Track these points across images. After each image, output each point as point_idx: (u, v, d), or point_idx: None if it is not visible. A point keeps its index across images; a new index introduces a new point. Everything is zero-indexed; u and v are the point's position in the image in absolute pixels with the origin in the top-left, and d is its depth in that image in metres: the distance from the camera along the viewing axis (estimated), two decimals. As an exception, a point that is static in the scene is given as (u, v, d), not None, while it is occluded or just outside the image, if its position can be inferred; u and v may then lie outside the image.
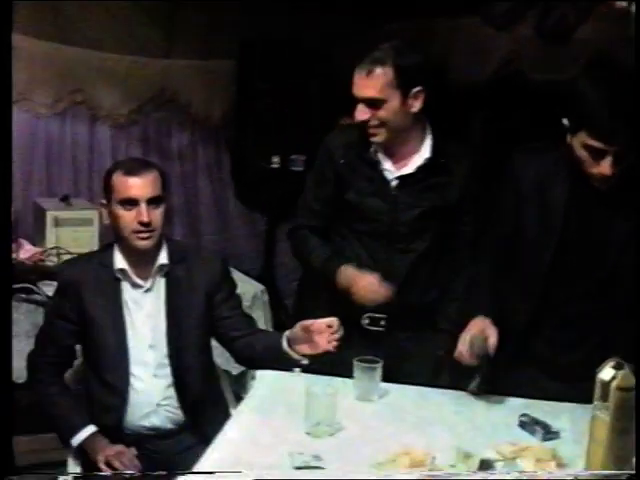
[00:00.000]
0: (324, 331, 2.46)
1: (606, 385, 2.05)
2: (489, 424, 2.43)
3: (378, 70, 2.74)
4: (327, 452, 2.14)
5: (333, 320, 2.47)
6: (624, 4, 3.26)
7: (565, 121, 2.49)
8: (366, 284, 2.79)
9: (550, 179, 2.63)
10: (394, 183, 2.87)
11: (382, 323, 2.92)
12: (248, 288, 4.13)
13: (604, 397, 2.05)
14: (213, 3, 4.68)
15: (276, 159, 5.25)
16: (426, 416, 2.47)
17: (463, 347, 2.54)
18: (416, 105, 2.80)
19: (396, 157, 2.88)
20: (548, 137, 2.71)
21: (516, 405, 2.55)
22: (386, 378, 2.61)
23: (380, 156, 2.87)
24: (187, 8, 4.75)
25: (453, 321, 2.84)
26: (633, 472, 1.97)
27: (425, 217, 2.88)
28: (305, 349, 2.51)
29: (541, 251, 2.61)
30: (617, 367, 2.06)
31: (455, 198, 2.90)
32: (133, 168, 2.69)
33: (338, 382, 2.53)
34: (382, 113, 2.76)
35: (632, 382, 2.04)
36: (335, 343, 2.45)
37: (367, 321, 2.92)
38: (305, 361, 2.55)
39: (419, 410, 2.51)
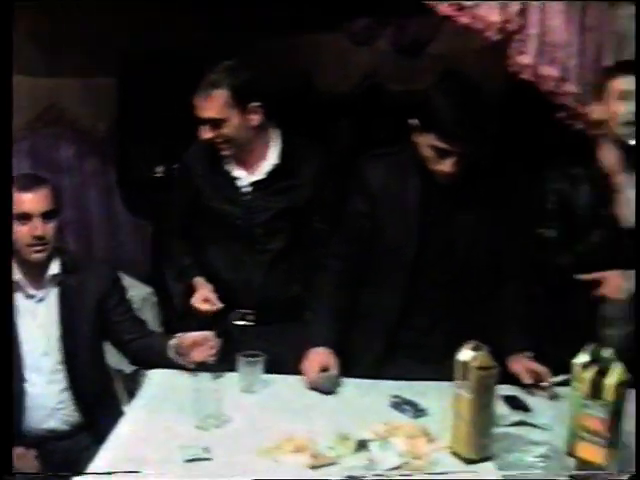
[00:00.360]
0: (200, 344, 2.57)
1: (466, 365, 2.11)
2: (364, 407, 2.47)
3: (215, 92, 2.79)
4: (216, 444, 2.13)
5: (207, 334, 2.58)
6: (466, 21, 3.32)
7: (414, 121, 2.58)
8: (199, 296, 2.90)
9: (400, 180, 2.71)
10: (246, 189, 2.94)
11: (250, 318, 2.99)
12: (137, 291, 4.08)
13: (464, 376, 2.11)
14: (97, 21, 4.58)
15: (160, 168, 5.23)
16: (306, 403, 2.49)
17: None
18: (255, 119, 2.87)
19: (246, 165, 2.94)
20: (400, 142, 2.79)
21: (387, 387, 2.59)
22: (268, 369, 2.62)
23: (231, 166, 2.94)
24: (71, 27, 4.63)
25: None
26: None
27: (278, 218, 2.95)
28: (186, 359, 2.58)
29: (403, 247, 2.68)
30: (475, 349, 2.13)
31: (305, 199, 2.97)
32: (25, 184, 2.64)
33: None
34: (225, 131, 2.83)
35: (490, 362, 2.12)
36: (212, 356, 2.55)
37: (236, 317, 2.97)
38: (192, 365, 2.57)
39: (300, 398, 2.53)
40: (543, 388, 2.59)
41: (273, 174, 2.92)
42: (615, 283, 2.64)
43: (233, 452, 2.10)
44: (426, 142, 2.55)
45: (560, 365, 2.52)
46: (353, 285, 2.80)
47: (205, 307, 2.87)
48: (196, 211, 3.03)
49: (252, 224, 2.94)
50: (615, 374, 2.01)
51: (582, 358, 2.17)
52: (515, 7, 3.28)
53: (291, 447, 2.11)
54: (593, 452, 2.02)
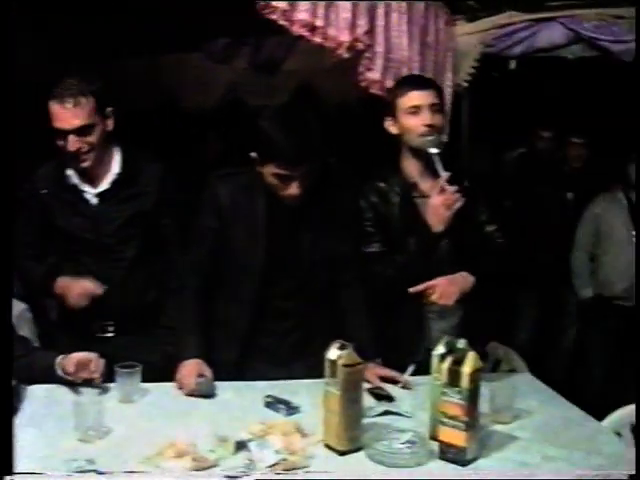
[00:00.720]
0: (85, 364, 2.48)
1: (333, 363, 2.11)
2: (239, 408, 2.43)
3: (81, 100, 2.71)
4: (99, 455, 2.04)
5: (90, 355, 2.49)
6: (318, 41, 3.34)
7: (253, 154, 2.58)
8: (79, 288, 2.82)
9: (249, 199, 2.70)
10: (93, 201, 2.86)
11: (110, 329, 2.91)
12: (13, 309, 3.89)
13: (333, 374, 2.10)
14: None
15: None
16: (184, 408, 2.43)
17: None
18: (110, 124, 2.83)
19: (91, 178, 2.86)
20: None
21: (261, 388, 2.56)
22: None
23: (77, 180, 2.86)
24: None
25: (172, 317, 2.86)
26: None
27: (127, 226, 2.89)
28: (72, 377, 2.49)
29: (252, 262, 2.69)
30: (341, 348, 2.13)
31: (151, 204, 2.92)
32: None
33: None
34: (91, 138, 2.77)
35: (355, 359, 2.12)
36: (96, 376, 2.47)
37: (96, 329, 2.89)
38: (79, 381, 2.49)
39: (177, 404, 2.47)
40: (400, 384, 2.64)
41: (117, 183, 2.86)
42: (444, 290, 2.69)
43: (117, 462, 2.02)
44: (269, 171, 2.55)
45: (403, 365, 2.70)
46: (209, 297, 2.78)
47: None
48: (47, 231, 2.93)
49: (103, 235, 2.86)
50: (470, 363, 2.05)
51: (439, 350, 2.21)
52: (363, 27, 3.33)
53: (172, 452, 2.04)
54: (454, 435, 2.06)
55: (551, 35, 3.78)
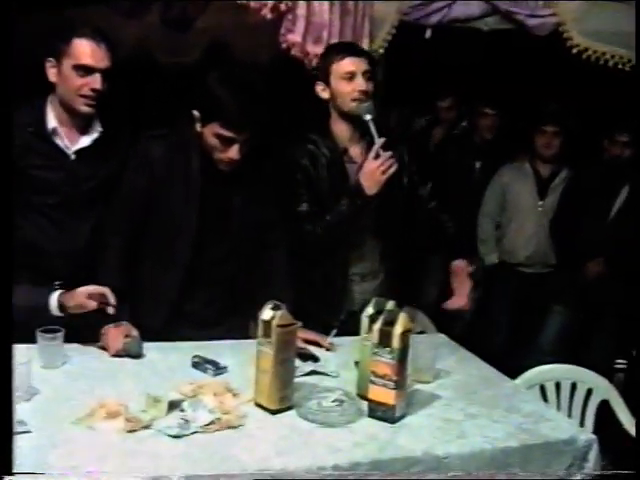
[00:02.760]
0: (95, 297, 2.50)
1: (267, 324, 2.15)
2: (167, 368, 2.45)
3: (109, 45, 2.67)
4: (29, 417, 2.02)
5: (100, 288, 2.50)
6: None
7: (196, 113, 2.57)
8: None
9: (180, 161, 2.69)
10: (73, 157, 2.75)
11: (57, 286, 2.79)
12: None
13: (266, 334, 2.15)
14: None
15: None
16: (112, 368, 2.42)
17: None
18: None
19: (72, 132, 2.76)
20: (174, 118, 2.76)
21: (186, 348, 2.58)
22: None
23: (60, 131, 2.73)
24: None
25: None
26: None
27: (101, 186, 2.80)
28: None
29: (183, 226, 2.69)
30: (275, 308, 2.17)
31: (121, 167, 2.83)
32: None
33: (24, 349, 2.37)
34: (105, 86, 2.67)
35: (289, 319, 2.18)
36: (112, 303, 2.49)
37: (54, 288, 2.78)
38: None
39: (104, 364, 2.45)
40: (324, 347, 2.72)
41: (98, 142, 2.77)
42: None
43: (48, 423, 2.00)
44: (211, 131, 2.56)
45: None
46: (137, 260, 2.77)
47: None
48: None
49: (77, 192, 2.75)
50: (401, 323, 2.13)
51: (368, 311, 2.29)
52: (286, -12, 3.34)
53: (104, 413, 2.04)
54: (384, 394, 2.13)
55: (467, 6, 3.87)
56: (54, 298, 2.50)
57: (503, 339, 4.64)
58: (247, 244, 2.78)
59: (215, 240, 2.73)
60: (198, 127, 2.59)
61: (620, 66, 3.80)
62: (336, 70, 2.85)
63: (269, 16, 3.40)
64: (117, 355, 2.51)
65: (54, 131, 2.72)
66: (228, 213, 2.73)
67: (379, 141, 2.75)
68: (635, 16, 3.28)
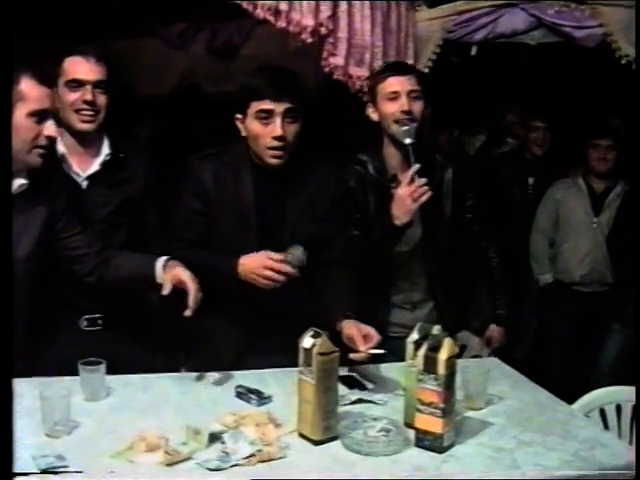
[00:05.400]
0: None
1: (308, 352, 2.08)
2: (210, 399, 2.39)
3: (101, 61, 2.72)
4: (68, 451, 1.98)
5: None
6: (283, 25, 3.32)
7: (238, 115, 2.57)
8: None
9: (233, 179, 2.64)
10: (85, 184, 2.74)
11: (99, 322, 2.79)
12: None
13: (307, 362, 2.08)
14: None
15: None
16: (154, 401, 2.38)
17: None
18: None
19: (81, 159, 2.75)
20: (223, 141, 2.72)
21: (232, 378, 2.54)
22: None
23: (69, 158, 2.73)
24: None
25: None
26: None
27: (118, 213, 2.78)
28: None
29: (243, 245, 2.59)
30: (315, 336, 2.10)
31: (141, 190, 2.84)
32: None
33: (68, 382, 2.35)
34: (102, 100, 2.71)
35: (330, 347, 2.10)
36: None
37: (85, 323, 2.77)
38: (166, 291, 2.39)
39: (147, 396, 2.41)
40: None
41: (107, 166, 2.75)
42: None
43: (87, 457, 1.96)
44: (251, 116, 2.51)
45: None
46: None
47: None
48: None
49: (93, 221, 2.72)
50: (446, 349, 2.05)
51: (413, 336, 2.21)
52: (326, 12, 3.32)
53: (144, 446, 2.00)
54: (431, 422, 2.05)
55: (513, 21, 3.79)
56: (159, 265, 2.47)
57: (561, 361, 4.49)
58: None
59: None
60: (242, 127, 2.56)
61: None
62: (381, 90, 2.81)
63: (309, 40, 3.37)
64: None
65: (63, 158, 2.72)
66: (283, 230, 2.65)
67: (414, 167, 2.68)
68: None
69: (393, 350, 2.46)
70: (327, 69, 3.53)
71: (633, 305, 4.31)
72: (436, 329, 2.16)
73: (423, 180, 2.67)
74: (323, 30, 3.38)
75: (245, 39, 5.02)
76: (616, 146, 4.37)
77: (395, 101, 2.78)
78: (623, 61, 3.64)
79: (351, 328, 2.45)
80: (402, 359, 2.27)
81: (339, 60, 3.49)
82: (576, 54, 3.86)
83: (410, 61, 3.79)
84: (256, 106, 2.50)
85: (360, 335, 2.42)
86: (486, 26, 3.86)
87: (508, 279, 4.80)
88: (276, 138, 2.49)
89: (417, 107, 2.78)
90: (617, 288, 4.43)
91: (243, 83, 2.61)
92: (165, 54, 5.28)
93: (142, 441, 2.02)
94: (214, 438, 2.05)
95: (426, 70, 3.89)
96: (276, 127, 2.48)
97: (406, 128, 2.73)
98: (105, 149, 2.77)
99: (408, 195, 2.68)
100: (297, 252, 2.47)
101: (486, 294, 3.11)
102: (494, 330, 3.12)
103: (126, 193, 2.78)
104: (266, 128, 2.50)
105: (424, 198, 2.68)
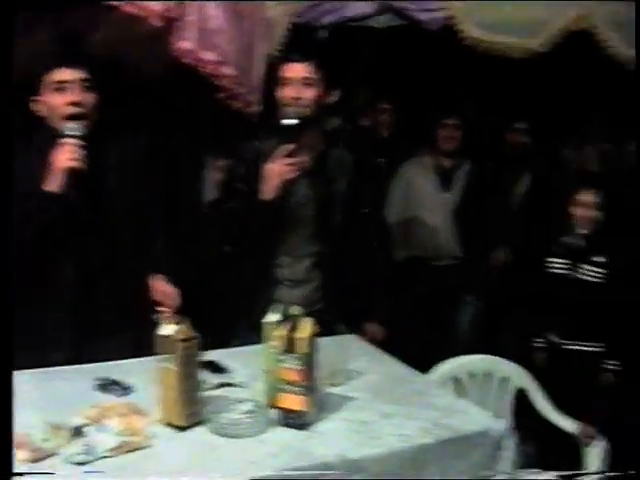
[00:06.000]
0: None
1: (168, 339, 2.07)
2: (70, 393, 2.34)
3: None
4: None
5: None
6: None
7: None
8: None
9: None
10: None
11: None
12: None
13: (168, 350, 2.08)
14: None
15: None
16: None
17: None
18: None
19: None
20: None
21: (91, 371, 2.49)
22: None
23: None
24: None
25: None
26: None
27: None
28: None
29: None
30: (176, 323, 2.09)
31: None
32: None
33: None
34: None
35: (191, 333, 2.10)
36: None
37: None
38: None
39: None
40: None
41: None
42: None
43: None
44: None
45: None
46: None
47: None
48: None
49: None
50: (305, 329, 2.09)
51: (273, 317, 2.24)
52: (174, -4, 3.28)
53: (7, 445, 1.94)
54: (293, 401, 2.09)
55: (360, 5, 3.86)
56: None
57: (418, 333, 4.63)
58: None
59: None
60: None
61: (514, 56, 3.82)
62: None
63: (158, 24, 3.31)
64: None
65: None
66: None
67: (286, 147, 2.73)
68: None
69: None
70: (177, 54, 3.49)
71: (481, 277, 4.52)
72: (294, 309, 2.20)
73: (292, 159, 2.73)
74: (171, 14, 3.33)
75: (93, 25, 4.86)
76: (462, 125, 4.53)
77: (288, 86, 2.83)
78: (467, 43, 3.75)
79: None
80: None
81: (188, 44, 3.46)
82: (422, 37, 3.95)
83: (262, 44, 3.81)
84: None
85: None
86: (335, 10, 3.92)
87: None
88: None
89: (307, 93, 2.83)
90: (466, 262, 4.60)
91: None
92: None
93: (3, 440, 1.96)
94: (77, 432, 2.01)
95: (277, 53, 3.91)
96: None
97: (290, 109, 2.80)
98: None
99: (274, 171, 2.73)
100: None
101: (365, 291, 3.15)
102: (372, 328, 3.15)
103: None
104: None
105: (290, 176, 2.73)
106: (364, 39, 4.35)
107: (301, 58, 2.88)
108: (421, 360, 3.02)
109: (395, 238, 4.67)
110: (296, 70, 2.84)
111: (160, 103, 4.15)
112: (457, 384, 3.08)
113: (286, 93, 2.83)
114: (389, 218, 4.72)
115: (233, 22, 3.60)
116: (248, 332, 2.73)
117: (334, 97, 2.97)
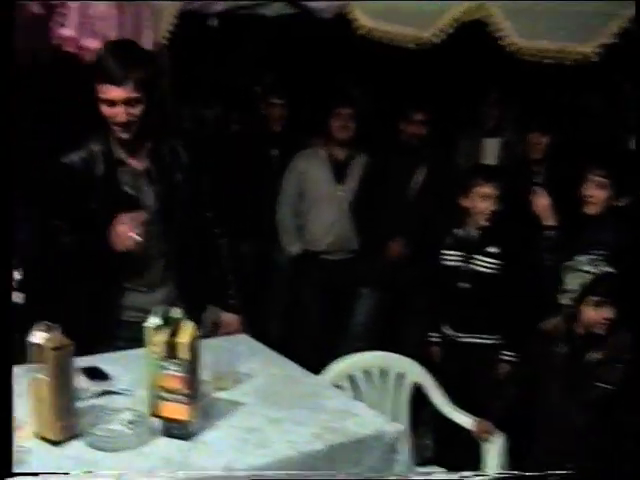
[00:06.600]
0: None
1: (39, 347, 1.93)
2: None
3: None
4: None
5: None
6: None
7: None
8: None
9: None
10: None
11: None
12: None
13: (39, 359, 1.93)
14: None
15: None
16: None
17: None
18: None
19: None
20: None
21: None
22: None
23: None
24: None
25: None
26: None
27: None
28: None
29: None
30: (47, 330, 1.95)
31: None
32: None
33: None
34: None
35: (64, 341, 1.96)
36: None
37: None
38: None
39: None
40: None
41: None
42: None
43: None
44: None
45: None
46: None
47: None
48: None
49: None
50: (187, 333, 1.98)
51: (153, 321, 2.11)
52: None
53: None
54: (176, 410, 1.99)
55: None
56: None
57: (315, 329, 4.57)
58: None
59: None
60: None
61: (409, 46, 3.75)
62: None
63: (36, 11, 3.12)
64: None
65: None
66: None
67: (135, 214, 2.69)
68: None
69: (134, 335, 2.37)
70: (57, 41, 3.29)
71: (378, 269, 4.47)
72: (176, 312, 2.08)
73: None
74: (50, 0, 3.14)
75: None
76: (355, 114, 4.45)
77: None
78: (360, 32, 3.66)
79: None
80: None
81: (69, 31, 3.26)
82: (315, 26, 3.85)
83: (148, 33, 3.64)
84: None
85: None
86: (223, -2, 3.77)
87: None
88: None
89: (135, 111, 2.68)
90: (362, 254, 4.55)
91: None
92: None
93: None
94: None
95: (164, 42, 3.75)
96: None
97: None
98: None
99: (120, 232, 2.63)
100: None
101: (217, 284, 3.03)
102: (228, 318, 3.02)
103: None
104: None
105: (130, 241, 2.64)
106: (254, 28, 4.22)
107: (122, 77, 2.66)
108: (316, 358, 2.96)
109: (290, 232, 4.60)
110: (119, 92, 2.64)
111: (39, 92, 3.93)
112: (352, 383, 3.01)
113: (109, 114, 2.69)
114: (281, 210, 4.62)
115: (117, 8, 3.42)
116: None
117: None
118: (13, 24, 1.71)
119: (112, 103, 2.64)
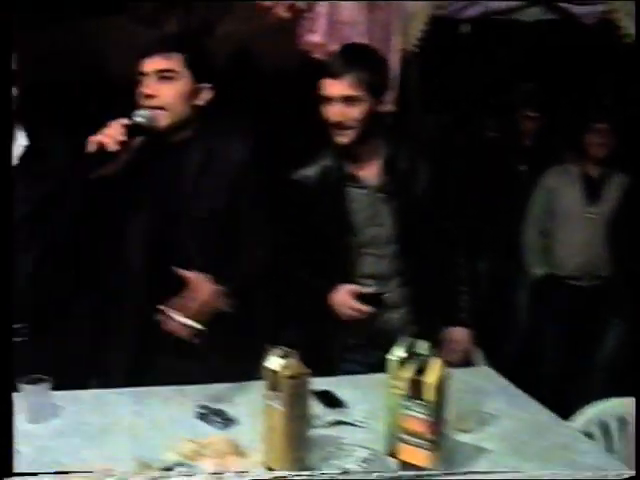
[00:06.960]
0: None
1: (275, 374, 1.80)
2: (168, 421, 2.10)
3: None
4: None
5: None
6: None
7: None
8: None
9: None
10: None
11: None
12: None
13: (274, 386, 1.80)
14: None
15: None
16: (104, 423, 2.08)
17: None
18: None
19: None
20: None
21: (193, 394, 2.24)
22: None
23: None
24: None
25: None
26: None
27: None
28: None
29: None
30: (284, 356, 1.82)
31: None
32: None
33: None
34: None
35: (301, 369, 1.82)
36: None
37: None
38: None
39: (97, 417, 2.12)
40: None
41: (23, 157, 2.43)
42: None
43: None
44: None
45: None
46: None
47: None
48: None
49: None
50: (434, 372, 1.77)
51: (397, 353, 1.92)
52: (304, -14, 3.03)
53: (83, 483, 1.72)
54: (416, 455, 1.79)
55: (508, -4, 3.51)
56: None
57: (557, 356, 4.23)
58: None
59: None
60: None
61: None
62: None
63: (285, 15, 3.07)
64: None
65: None
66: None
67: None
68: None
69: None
70: (304, 47, 3.23)
71: (630, 300, 4.06)
72: (422, 346, 1.88)
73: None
74: (300, 5, 3.08)
75: (220, 16, 4.73)
76: (614, 130, 4.08)
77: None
78: (627, 40, 3.34)
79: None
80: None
81: (317, 37, 3.20)
82: (576, 32, 3.56)
83: (397, 39, 3.50)
84: None
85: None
86: (478, 2, 3.57)
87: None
88: None
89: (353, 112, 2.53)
90: (614, 282, 4.15)
91: None
92: (136, 33, 4.97)
93: (86, 478, 1.74)
94: (167, 471, 1.77)
95: (414, 49, 3.60)
96: None
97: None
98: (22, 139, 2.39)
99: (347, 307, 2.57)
100: None
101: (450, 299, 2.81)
102: (457, 333, 2.78)
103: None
104: None
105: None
106: (510, 34, 3.97)
107: (341, 71, 2.50)
108: (560, 390, 2.67)
109: (535, 252, 4.30)
110: (336, 87, 2.49)
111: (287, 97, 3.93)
112: (603, 431, 2.67)
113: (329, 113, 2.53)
114: (527, 229, 4.34)
115: (366, 13, 3.32)
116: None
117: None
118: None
119: (329, 100, 2.50)
